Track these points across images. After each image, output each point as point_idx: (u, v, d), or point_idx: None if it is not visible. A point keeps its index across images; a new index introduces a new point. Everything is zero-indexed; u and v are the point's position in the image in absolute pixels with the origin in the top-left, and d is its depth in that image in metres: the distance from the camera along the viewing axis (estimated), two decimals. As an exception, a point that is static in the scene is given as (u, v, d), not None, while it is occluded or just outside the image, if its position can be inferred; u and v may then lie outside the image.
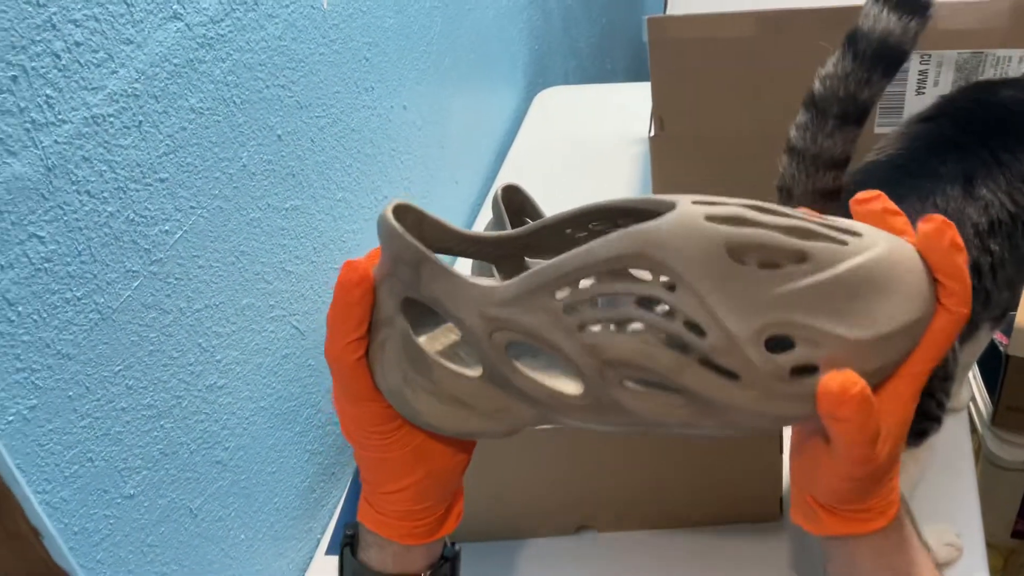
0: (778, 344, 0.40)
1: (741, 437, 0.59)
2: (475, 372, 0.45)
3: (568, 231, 0.48)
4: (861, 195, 0.45)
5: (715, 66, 0.97)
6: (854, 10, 0.90)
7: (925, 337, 0.42)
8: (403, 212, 0.45)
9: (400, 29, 1.02)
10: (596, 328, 0.42)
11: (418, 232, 0.45)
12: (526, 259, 0.51)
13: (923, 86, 0.91)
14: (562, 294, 0.42)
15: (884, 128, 0.94)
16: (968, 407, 1.45)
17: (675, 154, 1.04)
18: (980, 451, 1.42)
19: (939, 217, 0.42)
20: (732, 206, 0.41)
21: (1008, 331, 1.35)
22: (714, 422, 0.43)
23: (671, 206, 0.40)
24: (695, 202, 0.40)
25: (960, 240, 0.41)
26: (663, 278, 0.40)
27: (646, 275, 0.41)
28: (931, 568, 0.49)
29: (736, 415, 0.42)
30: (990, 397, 1.40)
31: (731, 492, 0.79)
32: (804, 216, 0.42)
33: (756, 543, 0.79)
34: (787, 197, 0.71)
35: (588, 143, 1.37)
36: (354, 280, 0.45)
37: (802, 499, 0.49)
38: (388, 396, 0.47)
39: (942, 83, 0.90)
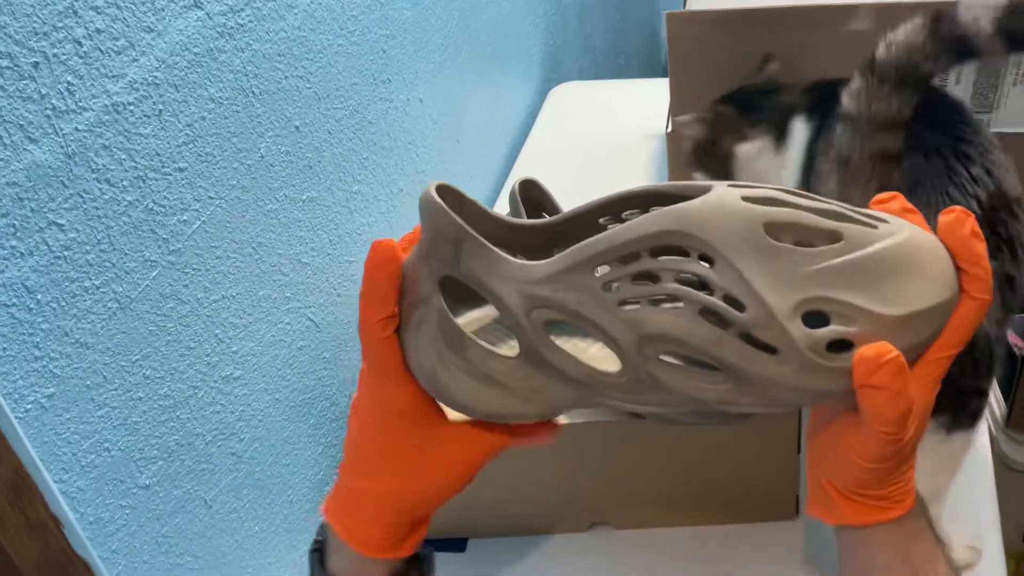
0: (814, 321, 0.41)
1: (778, 412, 0.60)
2: (512, 351, 0.45)
3: (602, 220, 0.48)
4: (879, 196, 0.46)
5: (733, 61, 0.96)
6: (873, 7, 0.89)
7: (950, 323, 0.43)
8: (444, 192, 0.45)
9: (417, 22, 1.02)
10: (635, 304, 0.42)
11: (459, 213, 0.45)
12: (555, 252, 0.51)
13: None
14: (602, 271, 0.43)
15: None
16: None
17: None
18: (993, 454, 1.41)
19: (958, 208, 0.43)
20: (766, 189, 0.42)
21: (1023, 334, 1.34)
22: (751, 399, 0.43)
23: (707, 189, 0.41)
24: (732, 184, 0.42)
25: (979, 229, 0.43)
26: (701, 259, 0.41)
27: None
28: (945, 561, 0.49)
29: (773, 390, 0.42)
30: (1004, 400, 1.39)
31: (747, 491, 0.79)
32: (833, 201, 0.43)
33: (772, 542, 0.78)
34: (844, 166, 0.70)
35: (602, 139, 1.36)
36: (379, 260, 0.45)
37: (819, 487, 0.48)
38: (421, 377, 0.47)
39: (964, 81, 0.89)
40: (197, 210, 0.66)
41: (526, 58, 1.46)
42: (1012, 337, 1.44)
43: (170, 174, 0.63)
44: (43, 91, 0.52)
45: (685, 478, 0.79)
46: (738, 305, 0.41)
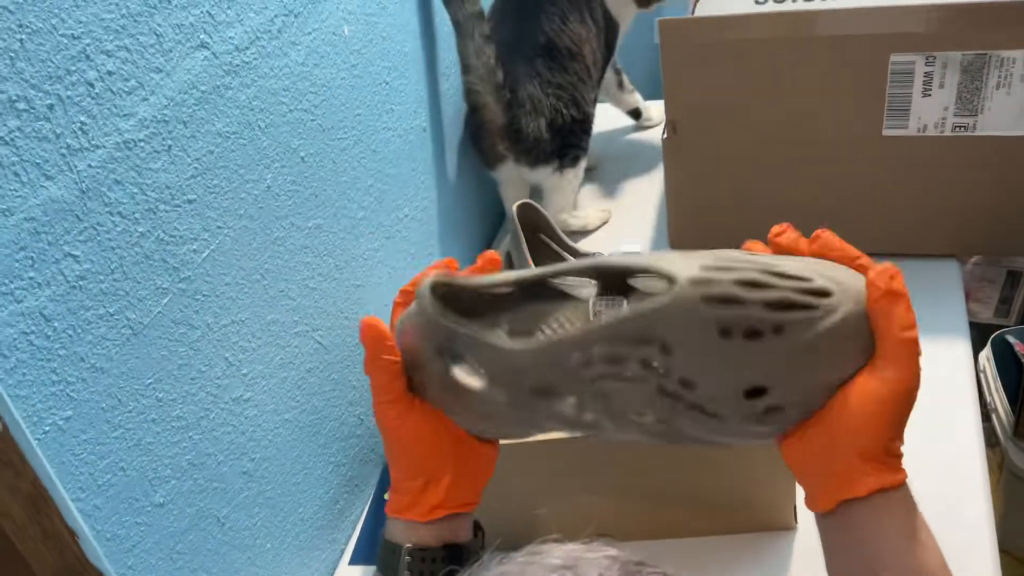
0: (756, 394, 0.49)
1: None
2: (501, 398, 0.54)
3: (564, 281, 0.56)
4: (775, 230, 0.53)
5: (727, 69, 0.99)
6: (861, 11, 0.90)
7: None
8: (437, 287, 0.53)
9: (419, 54, 1.05)
10: (604, 381, 0.50)
11: (454, 295, 0.54)
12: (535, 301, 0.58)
13: (928, 88, 0.91)
14: (577, 354, 0.50)
15: (892, 131, 0.95)
16: (991, 418, 1.45)
17: (688, 157, 1.06)
18: (1003, 463, 1.42)
19: (823, 232, 0.52)
20: (727, 284, 0.47)
21: (1029, 342, 1.35)
22: (692, 445, 0.52)
23: (672, 279, 0.48)
24: (694, 281, 0.47)
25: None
26: (660, 346, 0.49)
27: None
28: None
29: (712, 441, 0.51)
30: (1012, 409, 1.39)
31: (747, 501, 0.80)
32: (784, 276, 0.48)
33: (771, 552, 0.80)
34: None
35: (604, 163, 1.39)
36: (371, 342, 0.57)
37: (842, 469, 0.50)
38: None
39: (948, 85, 0.90)
40: (206, 239, 0.69)
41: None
42: (1020, 346, 1.45)
43: (180, 206, 0.66)
44: (58, 131, 0.55)
45: (685, 489, 0.80)
46: (690, 385, 0.48)
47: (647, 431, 0.51)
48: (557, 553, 0.41)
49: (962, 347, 0.93)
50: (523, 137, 1.13)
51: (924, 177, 0.97)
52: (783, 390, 0.48)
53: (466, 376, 0.54)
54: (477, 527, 0.63)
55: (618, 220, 1.25)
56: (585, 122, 1.19)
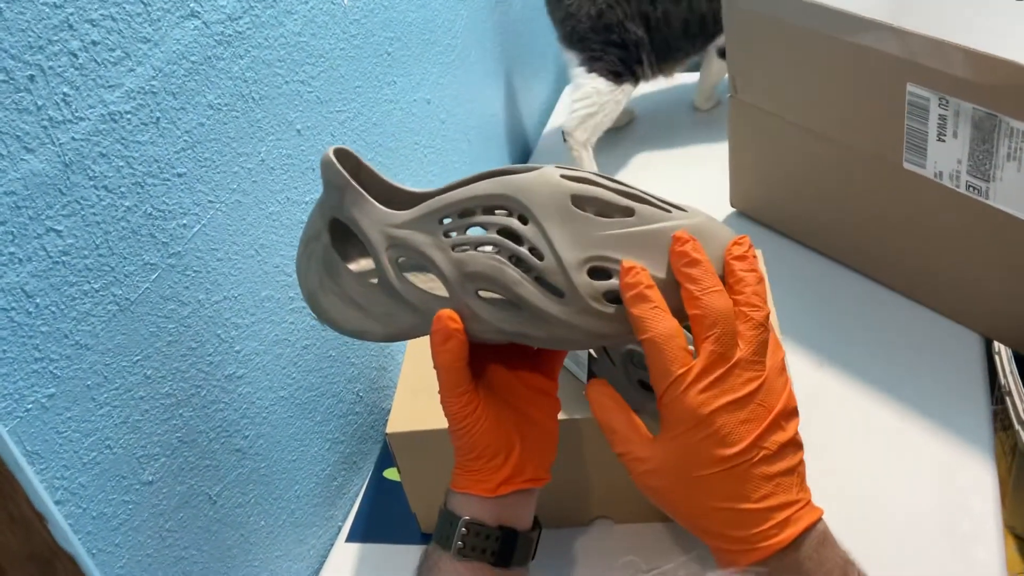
0: (601, 276, 0.52)
1: (566, 349, 0.70)
2: (372, 281, 0.58)
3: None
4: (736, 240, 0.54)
5: (774, 46, 0.96)
6: (884, 26, 0.84)
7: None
8: (343, 155, 0.58)
9: (423, 23, 1.03)
10: (464, 249, 0.55)
11: (356, 174, 0.58)
12: None
13: (943, 133, 0.82)
14: (447, 222, 0.56)
15: (910, 166, 0.87)
16: (1005, 401, 1.42)
17: (747, 119, 1.05)
18: (1016, 446, 1.39)
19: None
20: (585, 172, 0.54)
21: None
22: (541, 333, 0.54)
23: (538, 168, 0.55)
24: (557, 166, 0.55)
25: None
26: (518, 217, 0.54)
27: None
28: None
29: (558, 327, 0.53)
30: (1026, 392, 1.37)
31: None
32: (644, 191, 0.54)
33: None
34: None
35: (614, 132, 1.36)
36: (442, 337, 0.56)
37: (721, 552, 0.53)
38: (306, 298, 0.61)
39: (960, 136, 0.80)
40: (197, 214, 0.68)
41: (539, 58, 1.47)
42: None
43: (169, 179, 0.65)
44: (39, 103, 0.54)
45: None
46: (538, 255, 0.53)
47: (491, 315, 0.54)
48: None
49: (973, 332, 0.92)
50: (564, 4, 1.18)
51: (939, 225, 0.89)
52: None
53: (347, 256, 0.60)
54: (536, 523, 0.64)
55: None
56: (636, 46, 1.18)
